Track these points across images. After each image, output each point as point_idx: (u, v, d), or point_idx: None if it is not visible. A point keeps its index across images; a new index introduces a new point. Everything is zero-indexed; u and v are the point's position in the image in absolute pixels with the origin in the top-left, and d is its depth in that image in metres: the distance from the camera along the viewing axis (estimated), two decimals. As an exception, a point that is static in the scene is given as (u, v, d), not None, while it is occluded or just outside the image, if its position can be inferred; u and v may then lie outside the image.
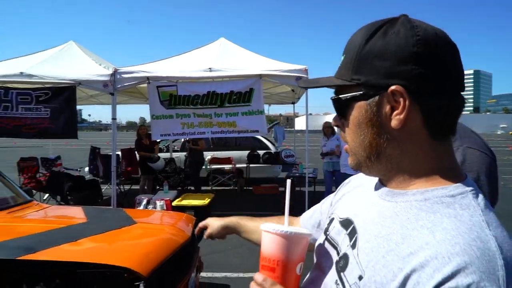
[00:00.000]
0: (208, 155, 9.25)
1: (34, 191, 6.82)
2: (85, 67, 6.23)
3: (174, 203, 5.79)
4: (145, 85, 6.06)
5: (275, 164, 9.49)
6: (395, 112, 0.60)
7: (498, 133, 77.36)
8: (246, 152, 9.46)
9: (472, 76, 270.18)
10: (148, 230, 2.85)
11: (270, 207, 6.91)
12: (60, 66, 6.26)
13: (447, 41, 0.61)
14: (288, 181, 0.90)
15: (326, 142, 6.94)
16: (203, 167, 8.69)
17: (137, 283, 2.00)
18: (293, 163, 8.68)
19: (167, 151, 9.92)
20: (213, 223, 1.17)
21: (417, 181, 0.62)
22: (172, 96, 5.95)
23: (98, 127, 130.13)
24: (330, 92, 0.73)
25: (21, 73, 5.88)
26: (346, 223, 0.71)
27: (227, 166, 9.47)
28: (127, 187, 8.14)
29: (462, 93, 0.62)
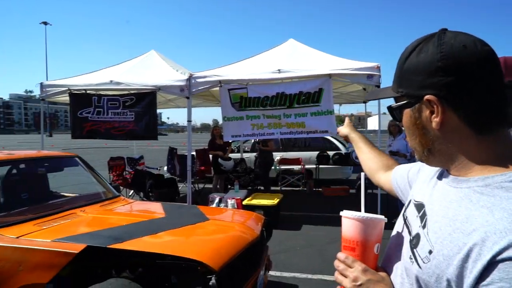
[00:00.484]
0: (277, 156, 9.34)
1: (121, 187, 7.58)
2: (164, 74, 6.74)
3: (245, 202, 5.97)
4: (218, 88, 6.35)
5: (346, 165, 9.22)
6: (433, 116, 0.73)
7: None
8: (315, 153, 9.36)
9: None
10: (220, 227, 2.99)
11: (340, 209, 6.73)
12: (142, 73, 6.86)
13: (475, 51, 0.70)
14: (362, 174, 1.05)
15: (392, 141, 6.57)
16: (273, 167, 8.80)
17: (209, 276, 2.12)
18: (364, 165, 8.33)
19: (238, 151, 10.25)
20: (343, 129, 1.44)
21: (474, 169, 0.73)
22: (242, 98, 6.14)
23: (176, 129, 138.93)
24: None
25: (111, 81, 6.57)
26: (419, 207, 0.82)
27: (296, 167, 9.46)
28: (201, 185, 8.59)
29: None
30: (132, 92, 6.57)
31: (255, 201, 6.03)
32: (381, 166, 1.22)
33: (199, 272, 2.13)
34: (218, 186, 7.97)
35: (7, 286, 2.20)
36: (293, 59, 6.37)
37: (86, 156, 4.41)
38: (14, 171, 3.28)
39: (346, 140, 1.45)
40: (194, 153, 8.47)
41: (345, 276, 0.81)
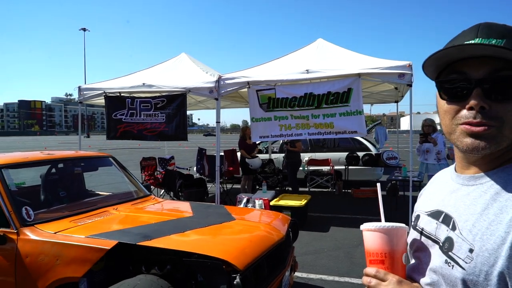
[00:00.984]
0: (306, 157, 9.28)
1: (152, 187, 7.81)
2: (194, 76, 6.88)
3: (272, 203, 5.98)
4: (246, 89, 6.40)
5: (376, 167, 9.00)
6: None
7: None
8: (345, 154, 9.21)
9: None
10: (246, 227, 3.02)
11: (369, 211, 6.61)
12: (173, 76, 7.04)
13: None
14: (378, 185, 1.00)
15: (420, 146, 6.46)
16: (301, 168, 8.75)
17: (234, 275, 2.15)
18: (395, 166, 8.11)
19: (266, 152, 10.27)
20: None
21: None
22: (270, 99, 6.15)
23: (206, 130, 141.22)
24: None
25: (143, 84, 6.80)
26: (436, 214, 0.81)
27: (325, 168, 9.35)
28: (229, 186, 8.69)
29: None
30: (164, 94, 6.76)
31: (283, 202, 6.03)
32: None
33: (224, 271, 2.17)
34: (246, 187, 8.03)
35: (46, 278, 2.35)
36: (322, 59, 6.31)
37: (121, 156, 4.60)
38: (53, 170, 3.48)
39: None
40: (222, 153, 8.58)
41: None
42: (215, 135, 7.19)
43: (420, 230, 0.85)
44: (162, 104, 6.70)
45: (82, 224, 2.72)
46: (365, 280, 0.79)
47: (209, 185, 8.53)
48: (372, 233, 0.81)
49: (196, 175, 8.54)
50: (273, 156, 10.03)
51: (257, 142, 8.02)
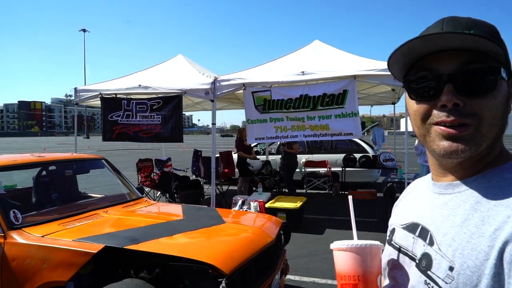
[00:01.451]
0: (303, 158, 9.26)
1: (149, 189, 7.80)
2: (190, 77, 6.87)
3: (267, 205, 5.97)
4: (242, 91, 6.39)
5: (373, 168, 8.99)
6: None
7: None
8: (342, 155, 9.19)
9: None
10: (235, 230, 3.00)
11: (366, 213, 6.60)
12: (169, 77, 7.03)
13: None
14: (350, 197, 0.89)
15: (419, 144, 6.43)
16: (298, 170, 8.74)
17: (220, 280, 2.13)
18: (392, 168, 8.10)
19: (263, 154, 10.26)
20: None
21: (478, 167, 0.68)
22: (266, 100, 6.14)
23: (206, 131, 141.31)
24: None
25: (139, 85, 6.79)
26: (412, 227, 0.74)
27: (322, 170, 9.34)
28: (225, 187, 8.67)
29: None
30: (159, 95, 6.76)
31: (278, 204, 6.01)
32: None
33: (210, 275, 2.16)
34: (242, 189, 8.01)
35: (32, 282, 2.33)
36: (317, 61, 6.30)
37: (120, 158, 4.60)
38: (44, 172, 3.46)
39: None
40: (218, 155, 8.57)
41: None
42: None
43: (396, 246, 0.77)
44: (158, 106, 6.69)
45: (70, 227, 2.70)
46: None
47: (205, 187, 8.51)
48: (343, 253, 0.72)
49: (193, 177, 8.52)
50: (270, 157, 10.02)
51: (252, 145, 8.00)
